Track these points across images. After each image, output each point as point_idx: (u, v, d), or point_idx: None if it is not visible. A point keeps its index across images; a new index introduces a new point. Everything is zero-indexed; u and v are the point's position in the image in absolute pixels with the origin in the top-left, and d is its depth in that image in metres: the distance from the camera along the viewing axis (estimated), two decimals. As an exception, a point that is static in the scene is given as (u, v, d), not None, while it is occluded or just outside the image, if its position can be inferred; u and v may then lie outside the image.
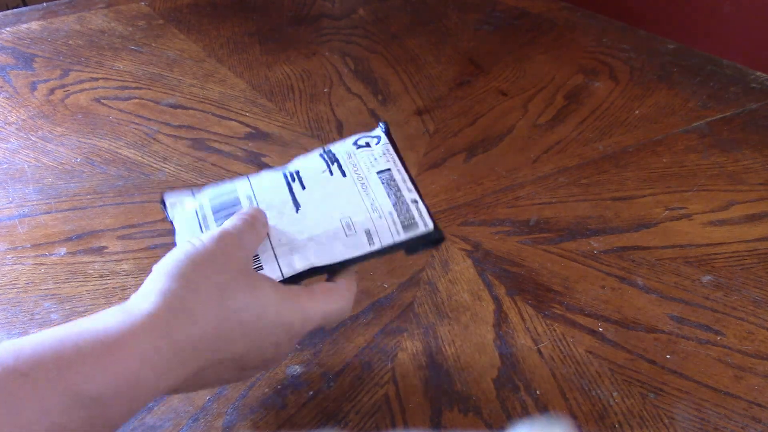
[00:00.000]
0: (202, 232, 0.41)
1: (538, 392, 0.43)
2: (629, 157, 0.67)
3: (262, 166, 0.66)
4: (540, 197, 0.61)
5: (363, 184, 0.43)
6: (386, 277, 0.52)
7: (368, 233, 0.41)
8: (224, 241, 0.37)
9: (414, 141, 0.70)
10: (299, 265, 0.40)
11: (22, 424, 0.27)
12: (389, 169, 0.44)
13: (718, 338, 0.47)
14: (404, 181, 0.44)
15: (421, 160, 0.67)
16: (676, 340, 0.47)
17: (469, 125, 0.73)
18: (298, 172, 0.44)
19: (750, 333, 0.47)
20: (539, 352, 0.46)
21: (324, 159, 0.45)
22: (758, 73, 0.82)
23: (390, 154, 0.45)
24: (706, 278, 0.52)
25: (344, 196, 0.43)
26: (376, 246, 0.41)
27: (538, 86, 0.81)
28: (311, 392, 0.43)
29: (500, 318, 0.49)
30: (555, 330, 0.48)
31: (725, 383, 0.44)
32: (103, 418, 0.29)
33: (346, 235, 0.41)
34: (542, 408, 0.42)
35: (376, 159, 0.45)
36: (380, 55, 0.89)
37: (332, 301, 0.39)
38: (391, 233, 0.41)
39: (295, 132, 0.72)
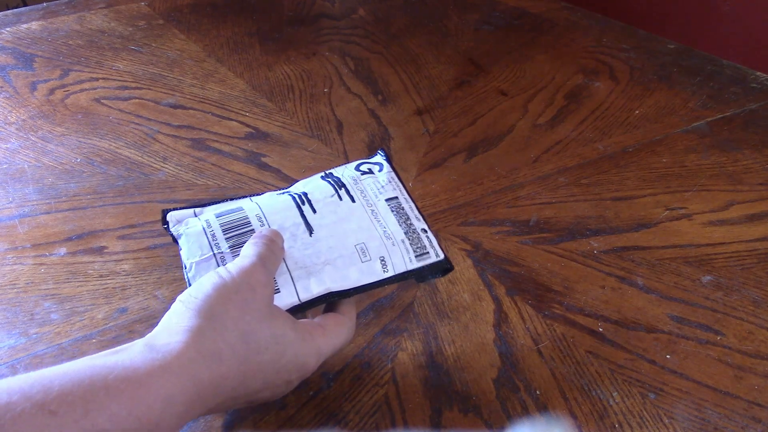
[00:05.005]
0: (212, 251, 0.41)
1: (538, 392, 0.43)
2: (629, 157, 0.67)
3: (262, 166, 0.66)
4: (540, 197, 0.61)
5: (373, 210, 0.44)
6: (386, 277, 0.52)
7: (382, 260, 0.42)
8: (253, 276, 0.36)
9: (414, 141, 0.70)
10: (316, 289, 0.40)
11: None
12: (396, 197, 0.45)
13: (718, 338, 0.47)
14: (412, 210, 0.45)
15: (421, 160, 0.67)
16: (676, 340, 0.47)
17: (469, 125, 0.73)
18: (306, 194, 0.44)
19: (750, 333, 0.47)
20: (539, 352, 0.46)
21: (330, 183, 0.45)
22: (758, 73, 0.82)
23: (395, 182, 0.46)
24: (706, 278, 0.52)
25: (356, 222, 0.43)
26: (390, 273, 0.42)
27: (538, 86, 0.81)
28: (311, 392, 0.43)
29: (500, 318, 0.49)
30: (555, 330, 0.48)
31: (725, 383, 0.44)
32: None
33: (362, 261, 0.41)
34: (542, 408, 0.42)
35: (383, 186, 0.45)
36: (380, 55, 0.89)
37: (341, 333, 0.40)
38: (404, 261, 0.42)
39: (295, 132, 0.72)
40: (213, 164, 0.66)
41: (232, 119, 0.74)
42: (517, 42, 0.92)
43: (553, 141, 0.70)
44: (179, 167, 0.66)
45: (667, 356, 0.45)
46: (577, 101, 0.77)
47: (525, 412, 0.42)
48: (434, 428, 0.41)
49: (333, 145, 0.70)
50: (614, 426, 0.41)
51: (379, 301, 0.50)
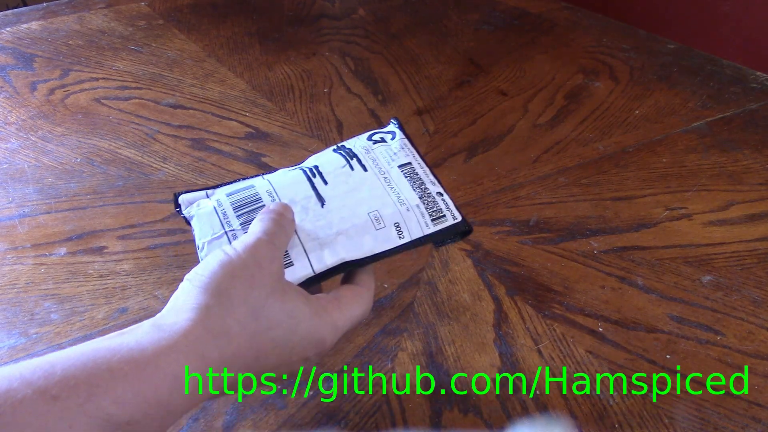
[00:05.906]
0: (223, 229, 0.40)
1: (538, 392, 0.43)
2: (629, 157, 0.67)
3: (262, 166, 0.66)
4: (540, 197, 0.61)
5: (386, 178, 0.43)
6: (386, 277, 0.52)
7: (397, 226, 0.40)
8: (259, 251, 0.35)
9: (414, 141, 0.70)
10: (330, 260, 0.39)
11: None
12: (410, 163, 0.44)
13: (718, 338, 0.47)
14: (426, 174, 0.43)
15: (421, 160, 0.67)
16: (676, 340, 0.47)
17: (469, 125, 0.73)
18: (317, 167, 0.44)
19: (750, 333, 0.47)
20: (539, 352, 0.46)
21: (341, 155, 0.44)
22: (758, 73, 0.82)
23: (408, 148, 0.45)
24: (706, 278, 0.52)
25: (368, 190, 0.42)
26: (406, 239, 0.40)
27: (538, 86, 0.81)
28: (311, 392, 0.43)
29: (500, 318, 0.49)
30: (555, 330, 0.48)
31: (725, 383, 0.44)
32: None
33: (376, 229, 0.40)
34: (542, 408, 0.42)
35: (395, 153, 0.44)
36: (380, 55, 0.89)
37: (358, 306, 0.39)
38: (420, 226, 0.41)
39: (295, 132, 0.72)
40: (213, 164, 0.66)
41: (232, 119, 0.74)
42: (517, 42, 0.92)
43: (553, 141, 0.70)
44: (179, 167, 0.66)
45: (667, 356, 0.45)
46: (577, 101, 0.77)
47: (525, 412, 0.42)
48: (434, 428, 0.41)
49: (333, 145, 0.70)
50: (614, 426, 0.41)
51: (379, 301, 0.50)
